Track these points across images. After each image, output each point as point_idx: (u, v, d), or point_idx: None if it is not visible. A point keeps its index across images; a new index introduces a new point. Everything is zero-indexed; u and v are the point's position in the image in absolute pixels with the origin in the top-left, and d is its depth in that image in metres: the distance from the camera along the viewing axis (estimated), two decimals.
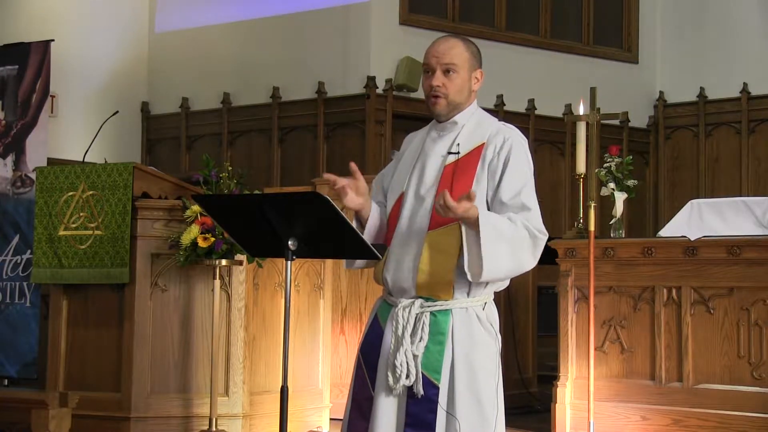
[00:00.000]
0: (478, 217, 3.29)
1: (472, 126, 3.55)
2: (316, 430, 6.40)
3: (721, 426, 6.05)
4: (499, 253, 3.31)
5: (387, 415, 3.44)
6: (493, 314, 3.52)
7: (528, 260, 3.40)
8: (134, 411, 5.84)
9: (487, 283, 3.45)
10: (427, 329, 3.41)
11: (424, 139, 3.62)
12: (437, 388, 3.39)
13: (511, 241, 3.34)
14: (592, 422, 6.17)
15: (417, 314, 3.43)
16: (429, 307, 3.44)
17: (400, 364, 3.39)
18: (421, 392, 3.39)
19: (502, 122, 3.61)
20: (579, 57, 11.63)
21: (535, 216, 3.40)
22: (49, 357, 6.17)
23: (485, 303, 3.49)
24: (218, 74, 11.24)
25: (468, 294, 3.44)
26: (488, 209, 3.42)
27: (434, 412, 3.39)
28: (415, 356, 3.40)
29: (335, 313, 7.07)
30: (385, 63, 10.31)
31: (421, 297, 3.45)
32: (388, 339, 3.46)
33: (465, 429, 3.38)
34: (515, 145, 3.47)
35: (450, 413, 3.39)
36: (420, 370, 3.40)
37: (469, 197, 3.27)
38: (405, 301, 3.45)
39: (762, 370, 6.03)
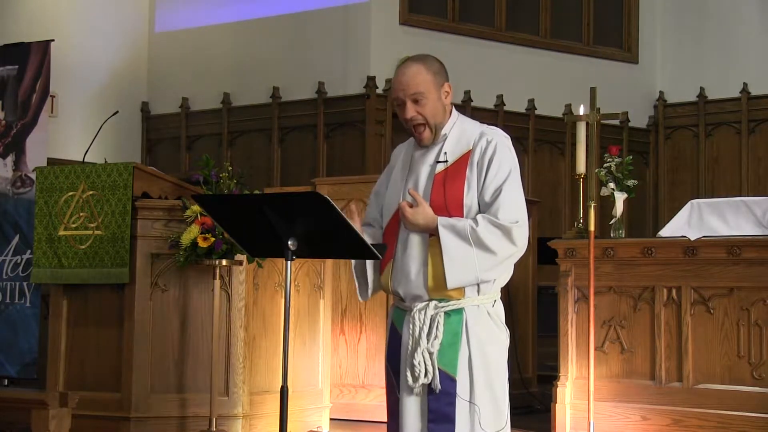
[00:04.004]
0: (437, 227, 3.49)
1: (456, 134, 3.66)
2: (316, 430, 6.40)
3: (721, 426, 6.05)
4: (462, 257, 3.48)
5: (412, 414, 3.58)
6: (501, 311, 3.67)
7: (506, 248, 3.50)
8: (134, 411, 5.84)
9: (495, 281, 3.60)
10: (441, 328, 3.54)
11: (411, 152, 3.73)
12: (455, 381, 3.53)
13: (476, 241, 3.47)
14: (592, 422, 6.17)
15: (432, 315, 3.55)
16: (443, 307, 3.56)
17: (418, 364, 3.53)
18: (439, 387, 3.52)
19: (484, 125, 3.72)
20: (579, 57, 11.63)
21: (509, 207, 3.51)
22: (49, 357, 6.17)
23: (495, 300, 3.63)
24: (218, 74, 11.24)
25: (478, 292, 3.57)
26: (479, 208, 3.54)
27: (453, 404, 3.52)
28: (430, 353, 3.52)
29: (335, 313, 7.07)
30: (385, 63, 10.30)
31: (434, 299, 3.56)
32: (406, 341, 3.58)
33: (483, 415, 3.53)
34: (498, 145, 3.59)
35: (471, 402, 3.53)
36: (436, 366, 3.52)
37: (415, 200, 3.51)
38: (420, 305, 3.57)
39: (762, 370, 6.03)
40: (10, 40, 8.34)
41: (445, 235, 3.49)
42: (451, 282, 3.49)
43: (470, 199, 3.54)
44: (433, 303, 3.55)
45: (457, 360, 3.53)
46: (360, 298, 3.81)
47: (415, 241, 3.57)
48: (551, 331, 6.99)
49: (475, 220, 3.49)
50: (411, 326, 3.56)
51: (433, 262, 3.52)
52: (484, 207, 3.53)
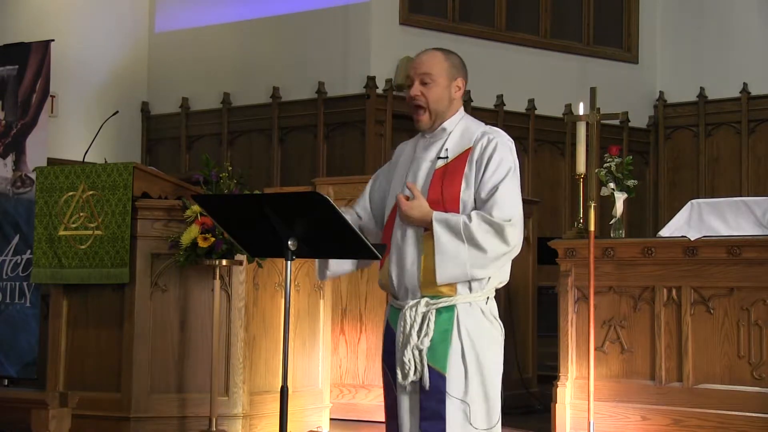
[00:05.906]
0: (432, 221, 3.50)
1: (459, 132, 3.67)
2: (316, 430, 6.40)
3: (721, 426, 6.05)
4: (454, 252, 3.48)
5: (408, 412, 3.60)
6: (494, 308, 3.66)
7: (497, 246, 3.49)
8: (134, 411, 5.84)
9: (489, 278, 3.59)
10: (432, 325, 3.54)
11: (415, 147, 3.75)
12: (444, 378, 3.52)
13: (468, 237, 3.46)
14: (592, 422, 6.17)
15: (423, 312, 3.55)
16: (434, 304, 3.56)
17: (408, 361, 3.53)
18: (428, 383, 3.51)
19: (489, 126, 3.72)
20: (579, 57, 11.63)
21: (503, 205, 3.50)
22: (49, 357, 6.17)
23: (488, 297, 3.62)
24: (218, 74, 11.25)
25: (470, 290, 3.56)
26: (474, 206, 3.55)
27: (443, 402, 3.52)
28: (420, 350, 3.53)
29: (335, 313, 7.07)
30: (385, 63, 10.31)
31: (426, 296, 3.56)
32: (399, 339, 3.58)
33: (474, 412, 3.52)
34: (499, 144, 3.60)
35: (461, 399, 3.52)
36: (426, 363, 3.52)
37: (412, 194, 3.52)
38: (411, 302, 3.57)
39: (762, 370, 6.03)
40: (10, 40, 8.34)
41: (438, 230, 3.49)
42: (441, 277, 3.50)
43: (467, 195, 3.55)
44: (425, 300, 3.55)
45: (447, 357, 3.52)
46: (318, 277, 3.83)
47: (410, 235, 3.58)
48: (551, 331, 6.99)
49: (469, 216, 3.49)
50: (402, 323, 3.56)
51: (426, 256, 3.53)
52: (479, 204, 3.53)
